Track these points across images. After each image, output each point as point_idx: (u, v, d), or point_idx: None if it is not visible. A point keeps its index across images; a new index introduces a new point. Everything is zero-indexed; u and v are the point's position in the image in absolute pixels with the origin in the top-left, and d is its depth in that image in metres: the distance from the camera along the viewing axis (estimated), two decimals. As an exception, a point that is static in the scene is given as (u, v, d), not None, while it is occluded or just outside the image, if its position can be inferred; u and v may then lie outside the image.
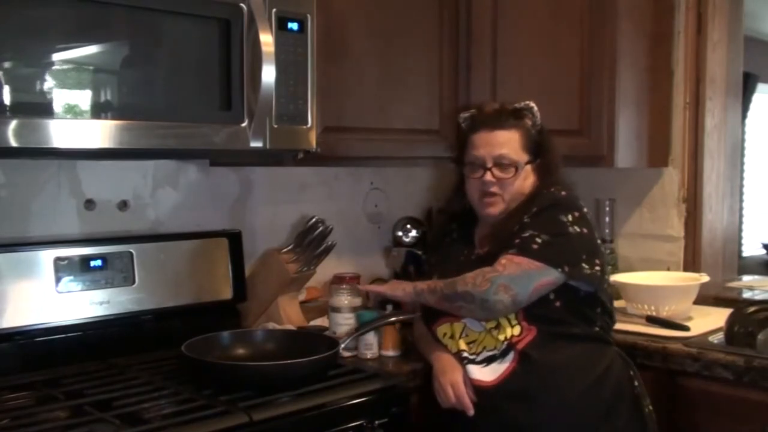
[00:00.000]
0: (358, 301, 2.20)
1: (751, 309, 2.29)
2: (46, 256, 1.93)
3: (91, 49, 1.64)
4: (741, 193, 3.59)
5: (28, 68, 1.55)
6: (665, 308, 2.40)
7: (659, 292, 2.45)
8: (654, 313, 2.39)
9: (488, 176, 1.95)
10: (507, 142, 1.97)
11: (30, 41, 1.53)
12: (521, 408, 1.84)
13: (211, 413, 1.61)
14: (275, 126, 1.85)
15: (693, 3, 2.77)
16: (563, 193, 1.96)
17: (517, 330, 1.86)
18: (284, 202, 2.48)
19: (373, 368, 2.00)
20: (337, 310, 2.18)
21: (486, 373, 1.87)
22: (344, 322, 2.16)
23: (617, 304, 2.02)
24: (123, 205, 2.16)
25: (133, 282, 2.06)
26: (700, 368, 2.11)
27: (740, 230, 4.07)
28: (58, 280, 1.94)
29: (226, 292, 2.23)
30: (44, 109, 1.55)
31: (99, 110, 1.62)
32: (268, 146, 1.84)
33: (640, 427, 1.94)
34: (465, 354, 1.90)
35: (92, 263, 2.00)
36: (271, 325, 2.21)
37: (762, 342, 2.16)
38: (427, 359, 2.01)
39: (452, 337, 1.93)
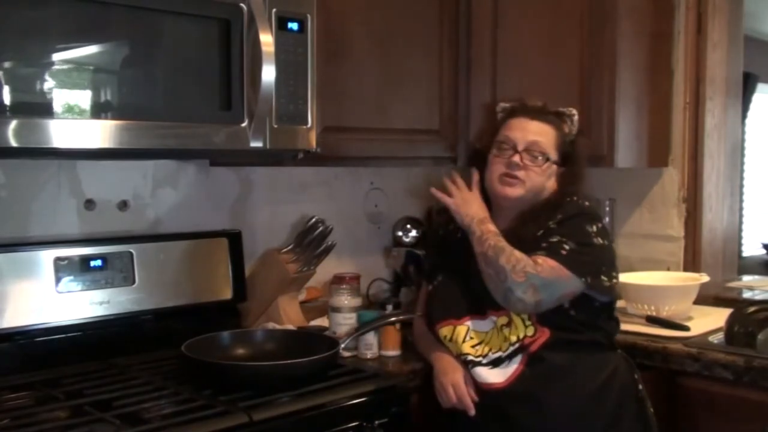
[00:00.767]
0: (358, 301, 2.21)
1: (751, 309, 2.29)
2: (46, 256, 1.93)
3: (91, 49, 1.64)
4: (741, 193, 3.59)
5: (28, 68, 1.55)
6: (665, 308, 2.39)
7: (659, 292, 2.45)
8: (654, 313, 2.39)
9: (517, 157, 1.93)
10: (543, 133, 1.96)
11: (30, 41, 1.54)
12: (528, 410, 1.83)
13: (211, 413, 1.61)
14: (275, 126, 1.85)
15: (693, 3, 2.77)
16: (586, 203, 1.96)
17: (531, 331, 1.85)
18: (284, 202, 2.48)
19: (373, 368, 2.00)
20: (337, 310, 2.18)
21: (494, 375, 1.87)
22: (344, 322, 2.16)
23: (617, 304, 2.03)
24: (123, 205, 2.16)
25: (133, 282, 2.06)
26: (700, 368, 2.11)
27: (740, 230, 4.07)
28: (58, 280, 1.94)
29: (226, 292, 2.23)
30: (44, 109, 1.55)
31: (99, 110, 1.63)
32: (268, 146, 1.84)
33: (644, 430, 1.95)
34: (470, 357, 1.89)
35: (92, 263, 2.00)
36: (271, 325, 2.21)
37: (762, 342, 2.16)
38: (427, 359, 2.01)
39: (453, 340, 1.92)
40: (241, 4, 1.78)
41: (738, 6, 2.96)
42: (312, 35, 1.90)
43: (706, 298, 2.60)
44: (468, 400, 1.86)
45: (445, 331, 1.94)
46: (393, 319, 2.09)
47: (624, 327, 2.20)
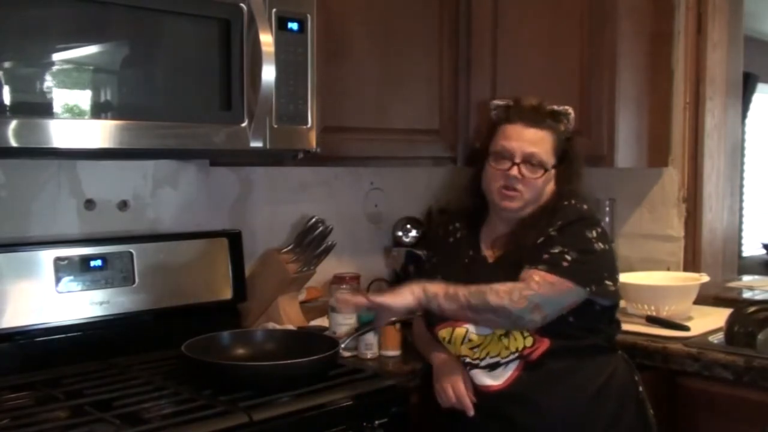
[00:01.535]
0: (358, 301, 2.20)
1: (751, 309, 2.29)
2: (46, 256, 1.93)
3: (91, 49, 1.64)
4: (741, 193, 3.59)
5: (28, 68, 1.55)
6: (665, 308, 2.40)
7: (659, 292, 2.45)
8: (654, 313, 2.39)
9: (515, 170, 1.91)
10: (540, 142, 1.94)
11: (30, 41, 1.53)
12: (526, 412, 1.83)
13: (211, 413, 1.61)
14: (275, 126, 1.85)
15: (693, 3, 2.77)
16: (585, 207, 1.95)
17: (529, 341, 1.84)
18: (284, 202, 2.48)
19: (373, 368, 2.00)
20: (337, 310, 2.18)
21: (491, 378, 1.87)
22: (344, 322, 2.15)
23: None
24: (123, 205, 2.16)
25: (133, 282, 2.06)
26: (700, 368, 2.11)
27: (740, 230, 4.07)
28: (58, 280, 1.94)
29: (226, 292, 2.23)
30: (44, 109, 1.55)
31: (99, 110, 1.62)
32: (268, 146, 1.84)
33: (644, 431, 1.95)
34: (468, 360, 1.89)
35: (92, 263, 2.00)
36: (271, 325, 2.21)
37: (762, 342, 2.16)
38: (426, 359, 2.01)
39: (451, 342, 1.92)
40: (241, 4, 1.78)
41: (738, 6, 2.96)
42: (312, 35, 1.90)
43: (706, 298, 2.60)
44: (467, 400, 1.86)
45: (443, 332, 1.93)
46: (393, 319, 2.09)
47: (624, 327, 2.19)
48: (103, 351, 2.00)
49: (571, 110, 2.03)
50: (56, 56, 1.58)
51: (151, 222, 2.22)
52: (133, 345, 2.04)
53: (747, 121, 5.15)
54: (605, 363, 1.91)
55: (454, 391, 1.88)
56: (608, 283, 1.87)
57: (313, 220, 2.34)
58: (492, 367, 1.87)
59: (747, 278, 3.22)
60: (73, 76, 1.60)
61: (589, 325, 1.89)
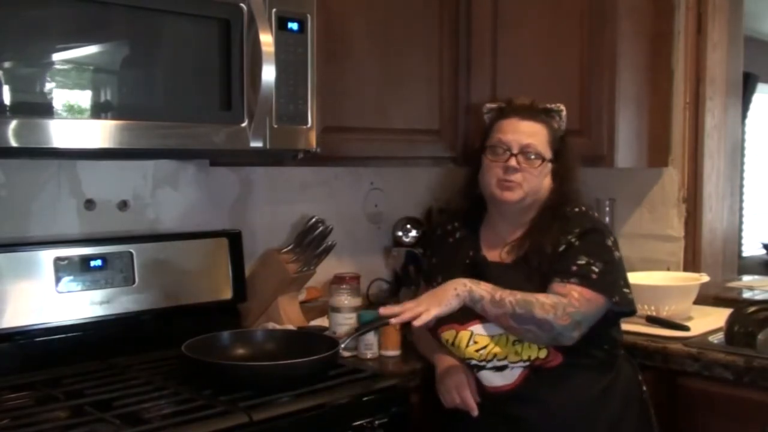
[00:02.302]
0: (358, 301, 2.20)
1: (751, 309, 2.29)
2: (46, 256, 1.93)
3: (91, 49, 1.64)
4: (741, 193, 3.60)
5: (28, 68, 1.55)
6: (665, 308, 2.40)
7: (659, 292, 2.45)
8: (654, 313, 2.39)
9: (513, 161, 1.91)
10: (536, 134, 1.94)
11: (30, 41, 1.53)
12: (532, 411, 1.83)
13: (211, 413, 1.61)
14: (275, 126, 1.84)
15: (693, 3, 2.77)
16: (595, 214, 1.98)
17: (543, 353, 1.83)
18: (284, 202, 2.48)
19: (373, 368, 2.00)
20: (337, 310, 2.18)
21: (498, 379, 1.87)
22: (344, 322, 2.16)
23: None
24: (123, 205, 2.16)
25: (133, 282, 2.06)
26: (700, 368, 2.11)
27: (740, 230, 4.08)
28: (58, 280, 1.94)
29: (226, 292, 2.23)
30: (44, 109, 1.55)
31: (99, 110, 1.62)
32: (268, 146, 1.84)
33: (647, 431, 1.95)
34: (474, 362, 1.89)
35: (92, 263, 1.99)
36: (271, 325, 2.21)
37: (762, 342, 2.16)
38: (429, 359, 2.01)
39: (455, 344, 1.91)
40: (241, 4, 1.77)
41: (738, 6, 2.96)
42: (312, 35, 1.90)
43: (706, 298, 2.60)
44: (471, 400, 1.86)
45: (447, 335, 1.93)
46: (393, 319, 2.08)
47: (624, 327, 2.19)
48: (103, 351, 2.00)
49: (563, 108, 2.03)
50: (56, 56, 1.58)
51: (151, 222, 2.22)
52: (133, 345, 2.04)
53: (747, 121, 5.15)
54: (610, 364, 1.91)
55: (458, 391, 1.88)
56: (626, 291, 1.88)
57: (313, 220, 2.34)
58: (498, 369, 1.87)
59: (747, 278, 3.22)
60: (73, 76, 1.60)
61: (601, 334, 1.88)
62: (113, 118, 1.63)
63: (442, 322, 1.94)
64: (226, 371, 1.79)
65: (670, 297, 2.42)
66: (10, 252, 1.89)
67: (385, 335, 2.12)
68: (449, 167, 2.59)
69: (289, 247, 2.34)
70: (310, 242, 2.31)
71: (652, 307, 2.40)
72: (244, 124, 1.80)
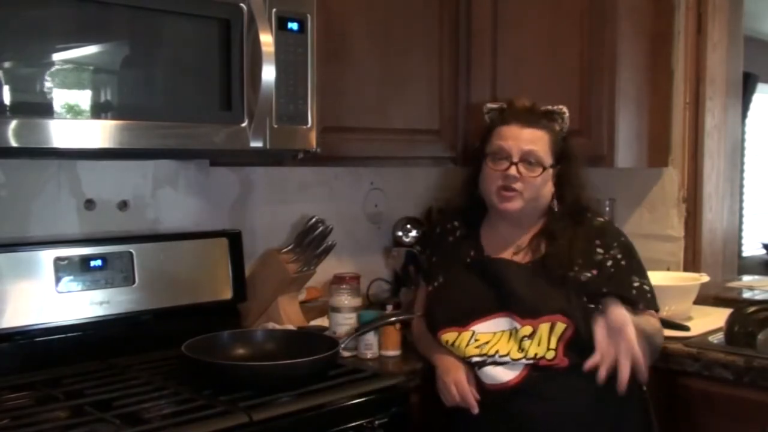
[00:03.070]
0: (358, 301, 2.20)
1: (751, 309, 2.29)
2: (46, 256, 1.93)
3: (91, 49, 1.64)
4: (741, 193, 3.60)
5: (28, 68, 1.55)
6: (665, 308, 2.39)
7: (659, 292, 2.43)
8: (654, 313, 2.39)
9: (513, 170, 1.90)
10: (537, 141, 1.93)
11: (30, 41, 1.53)
12: (532, 409, 1.83)
13: (211, 413, 1.61)
14: (275, 126, 1.84)
15: (693, 3, 2.77)
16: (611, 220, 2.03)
17: (551, 355, 1.83)
18: (284, 202, 2.48)
19: (373, 368, 2.00)
20: (337, 310, 2.18)
21: (500, 373, 1.86)
22: (344, 322, 2.16)
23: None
24: (123, 205, 2.16)
25: (133, 282, 2.06)
26: (700, 368, 2.11)
27: (740, 230, 4.08)
28: (58, 280, 1.94)
29: (226, 292, 2.23)
30: (44, 109, 1.55)
31: (99, 110, 1.62)
32: (268, 146, 1.84)
33: (647, 430, 1.95)
34: (475, 359, 1.89)
35: (92, 263, 1.99)
36: (271, 325, 2.21)
37: (762, 342, 2.16)
38: (428, 359, 2.01)
39: (456, 345, 1.91)
40: (241, 4, 1.77)
41: (738, 6, 2.96)
42: (312, 35, 1.90)
43: (706, 298, 2.60)
44: (471, 398, 1.86)
45: (447, 336, 1.93)
46: (393, 319, 2.09)
47: (624, 327, 2.20)
48: (103, 351, 2.00)
49: (565, 109, 2.03)
50: (56, 56, 1.58)
51: (151, 222, 2.22)
52: (133, 345, 2.04)
53: (747, 121, 5.15)
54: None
55: (458, 389, 1.87)
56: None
57: (313, 220, 2.34)
58: (500, 365, 1.86)
59: (747, 278, 3.22)
60: (73, 76, 1.60)
61: None
62: (113, 118, 1.63)
63: (442, 324, 1.95)
64: (226, 371, 1.79)
65: (670, 297, 2.42)
66: (10, 252, 1.89)
67: (385, 335, 2.12)
68: (449, 167, 2.59)
69: (289, 247, 2.34)
70: (310, 242, 2.31)
71: (652, 307, 2.40)
72: (244, 124, 1.80)
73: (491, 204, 1.98)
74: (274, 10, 1.82)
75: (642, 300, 1.88)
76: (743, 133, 4.44)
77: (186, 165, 2.27)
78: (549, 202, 1.97)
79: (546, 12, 2.51)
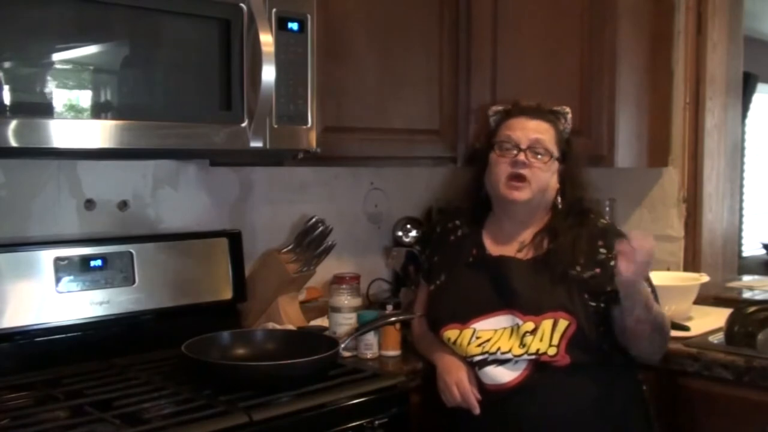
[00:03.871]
0: (358, 301, 2.20)
1: (751, 309, 2.29)
2: (46, 256, 1.93)
3: (91, 49, 1.64)
4: (741, 193, 3.60)
5: (28, 68, 1.55)
6: (665, 308, 2.38)
7: (659, 292, 2.44)
8: (654, 313, 2.39)
9: (521, 156, 1.92)
10: (543, 131, 1.96)
11: (30, 41, 1.53)
12: (533, 411, 1.83)
13: (211, 413, 1.61)
14: (275, 126, 1.84)
15: (693, 3, 2.77)
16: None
17: (552, 351, 1.83)
18: (284, 202, 2.48)
19: (373, 368, 2.00)
20: (337, 310, 2.18)
21: (501, 373, 1.86)
22: (344, 322, 2.16)
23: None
24: (123, 205, 2.16)
25: (133, 282, 2.06)
26: (700, 368, 2.11)
27: (740, 230, 4.08)
28: (58, 280, 1.94)
29: (226, 292, 2.23)
30: (44, 109, 1.55)
31: (99, 110, 1.62)
32: (268, 146, 1.84)
33: (648, 430, 1.95)
34: (477, 358, 1.89)
35: (92, 263, 1.99)
36: (271, 325, 2.21)
37: (762, 342, 2.16)
38: (429, 359, 2.01)
39: (457, 343, 1.91)
40: (241, 4, 1.77)
41: (738, 6, 2.96)
42: (312, 35, 1.90)
43: (706, 298, 2.60)
44: (472, 398, 1.86)
45: (450, 333, 1.93)
46: (393, 319, 2.09)
47: (624, 327, 2.20)
48: (103, 351, 2.00)
49: (568, 110, 2.06)
50: (56, 56, 1.58)
51: (151, 222, 2.22)
52: (133, 345, 2.04)
53: (747, 121, 5.15)
54: (611, 364, 1.91)
55: (459, 389, 1.88)
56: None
57: (313, 220, 2.34)
58: (502, 363, 1.86)
59: (747, 278, 3.22)
60: (73, 76, 1.60)
61: (611, 340, 1.89)
62: (113, 118, 1.63)
63: (444, 322, 1.95)
64: (226, 371, 1.79)
65: (670, 297, 2.42)
66: (10, 252, 1.89)
67: (385, 335, 2.12)
68: (449, 167, 2.59)
69: (289, 247, 2.34)
70: (310, 242, 2.31)
71: (652, 307, 2.40)
72: (244, 124, 1.80)
73: (498, 196, 1.98)
74: (274, 10, 1.82)
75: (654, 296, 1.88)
76: (743, 133, 4.44)
77: (186, 165, 2.27)
78: (553, 199, 1.98)
79: (546, 12, 2.51)
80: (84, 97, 1.61)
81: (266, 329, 2.16)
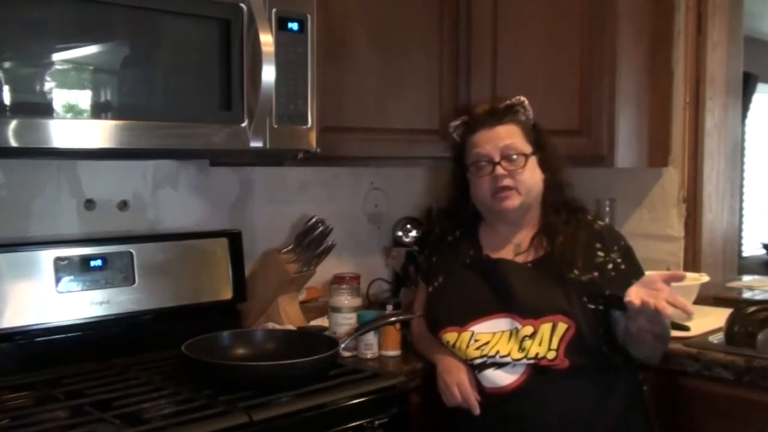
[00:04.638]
0: (358, 301, 2.20)
1: (751, 309, 2.29)
2: (46, 256, 1.93)
3: (91, 49, 1.64)
4: (741, 193, 3.59)
5: (28, 68, 1.55)
6: (665, 308, 2.39)
7: (659, 292, 2.45)
8: (654, 313, 2.39)
9: (499, 169, 1.91)
10: (510, 135, 1.95)
11: (30, 41, 1.53)
12: (533, 412, 1.83)
13: (211, 413, 1.61)
14: (275, 126, 1.84)
15: (693, 3, 2.77)
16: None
17: (551, 355, 1.83)
18: (284, 202, 2.48)
19: (373, 368, 2.00)
20: (337, 310, 2.18)
21: (500, 377, 1.86)
22: (344, 322, 2.16)
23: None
24: (123, 205, 2.16)
25: (133, 282, 2.06)
26: (700, 368, 2.11)
27: (740, 230, 4.07)
28: (58, 280, 1.94)
29: (226, 292, 2.23)
30: (44, 109, 1.55)
31: (99, 110, 1.62)
32: (268, 146, 1.84)
33: (648, 430, 1.95)
34: (477, 362, 1.89)
35: (92, 263, 2.00)
36: (271, 325, 2.21)
37: (762, 342, 2.16)
38: (429, 359, 2.01)
39: (457, 346, 1.91)
40: (241, 4, 1.77)
41: (738, 6, 2.96)
42: (312, 35, 1.90)
43: (706, 298, 2.60)
44: (473, 399, 1.86)
45: (449, 336, 1.93)
46: (393, 319, 2.09)
47: (624, 327, 2.20)
48: (103, 351, 2.00)
49: (524, 98, 2.03)
50: (56, 56, 1.58)
51: (151, 222, 2.22)
52: (133, 345, 2.04)
53: (747, 121, 5.15)
54: (611, 364, 1.91)
55: (460, 389, 1.88)
56: None
57: (313, 220, 2.34)
58: (500, 366, 1.86)
59: (747, 278, 3.22)
60: (73, 76, 1.60)
61: (610, 343, 1.88)
62: (113, 118, 1.63)
63: (442, 325, 1.95)
64: (226, 371, 1.79)
65: (670, 297, 2.42)
66: (10, 252, 1.89)
67: (385, 335, 2.12)
68: (449, 167, 2.59)
69: (289, 247, 2.34)
70: (310, 242, 2.31)
71: (652, 307, 2.40)
72: (244, 124, 1.80)
73: (489, 209, 1.99)
74: (274, 10, 1.82)
75: None
76: (743, 133, 4.44)
77: (186, 165, 2.27)
78: (542, 192, 1.97)
79: (546, 12, 2.51)
80: (84, 97, 1.61)
81: (266, 329, 2.16)
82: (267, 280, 2.32)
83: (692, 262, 2.81)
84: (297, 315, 2.32)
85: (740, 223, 3.78)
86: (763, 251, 5.57)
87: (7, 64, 1.51)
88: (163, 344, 2.01)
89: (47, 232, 2.01)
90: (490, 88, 2.39)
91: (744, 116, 4.60)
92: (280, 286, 2.30)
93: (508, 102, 2.03)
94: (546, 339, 1.83)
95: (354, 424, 1.76)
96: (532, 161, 1.95)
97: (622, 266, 1.91)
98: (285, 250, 2.34)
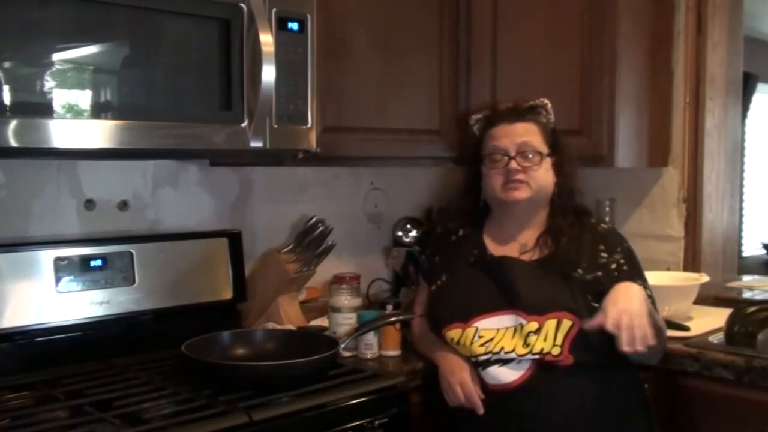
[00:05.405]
0: (358, 301, 2.20)
1: (751, 309, 2.29)
2: (46, 256, 1.93)
3: (91, 49, 1.64)
4: (741, 193, 3.59)
5: (28, 68, 1.55)
6: (665, 308, 2.39)
7: (659, 292, 2.43)
8: (654, 313, 2.39)
9: (513, 164, 1.93)
10: (529, 132, 1.97)
11: (30, 41, 1.53)
12: (536, 411, 1.83)
13: (211, 413, 1.60)
14: (275, 126, 1.84)
15: (693, 3, 2.77)
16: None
17: (556, 351, 1.83)
18: (284, 202, 2.48)
19: (373, 368, 2.00)
20: (337, 310, 2.18)
21: (505, 374, 1.86)
22: (344, 322, 2.16)
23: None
24: (123, 205, 2.16)
25: (133, 282, 2.06)
26: (700, 368, 2.11)
27: (740, 230, 4.07)
28: (58, 280, 1.94)
29: (226, 292, 2.23)
30: (44, 109, 1.55)
31: (99, 110, 1.62)
32: (268, 146, 1.84)
33: (649, 429, 1.95)
34: (482, 358, 1.89)
35: (92, 263, 2.00)
36: (271, 325, 2.21)
37: (762, 342, 2.16)
38: (430, 359, 2.01)
39: (461, 343, 1.91)
40: (241, 4, 1.77)
41: (738, 6, 2.96)
42: (312, 35, 1.90)
43: (706, 298, 2.60)
44: (476, 398, 1.86)
45: (452, 333, 1.93)
46: (393, 319, 2.09)
47: (624, 327, 2.20)
48: (103, 351, 2.00)
49: (547, 101, 2.05)
50: (56, 56, 1.58)
51: (151, 222, 2.22)
52: (133, 345, 2.04)
53: (747, 121, 5.15)
54: (612, 364, 1.90)
55: (463, 389, 1.87)
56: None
57: (313, 220, 2.34)
58: (506, 362, 1.86)
59: (747, 278, 3.22)
60: (73, 76, 1.60)
61: (613, 339, 1.87)
62: (113, 118, 1.63)
63: (446, 322, 1.95)
64: (226, 371, 1.79)
65: (670, 297, 2.42)
66: (10, 252, 1.89)
67: (385, 335, 2.12)
68: (449, 167, 2.59)
69: (289, 247, 2.34)
70: (310, 242, 2.31)
71: (652, 307, 2.40)
72: (244, 124, 1.80)
73: (497, 201, 1.99)
74: (274, 10, 1.82)
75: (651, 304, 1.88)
76: (743, 133, 4.44)
77: (186, 165, 2.27)
78: (552, 194, 1.98)
79: (546, 12, 2.51)
80: (84, 97, 1.61)
81: (266, 329, 2.16)
82: (267, 280, 2.32)
83: (692, 262, 2.81)
84: (297, 315, 2.32)
85: (740, 223, 3.78)
86: (763, 251, 5.58)
87: (7, 64, 1.51)
88: (163, 344, 2.01)
89: (47, 232, 2.01)
90: (490, 88, 2.40)
91: (744, 116, 4.60)
92: (280, 286, 2.30)
93: (531, 102, 2.05)
94: (551, 335, 1.83)
95: (354, 424, 1.76)
96: (547, 162, 1.96)
97: (625, 267, 1.92)
98: (285, 250, 2.34)
